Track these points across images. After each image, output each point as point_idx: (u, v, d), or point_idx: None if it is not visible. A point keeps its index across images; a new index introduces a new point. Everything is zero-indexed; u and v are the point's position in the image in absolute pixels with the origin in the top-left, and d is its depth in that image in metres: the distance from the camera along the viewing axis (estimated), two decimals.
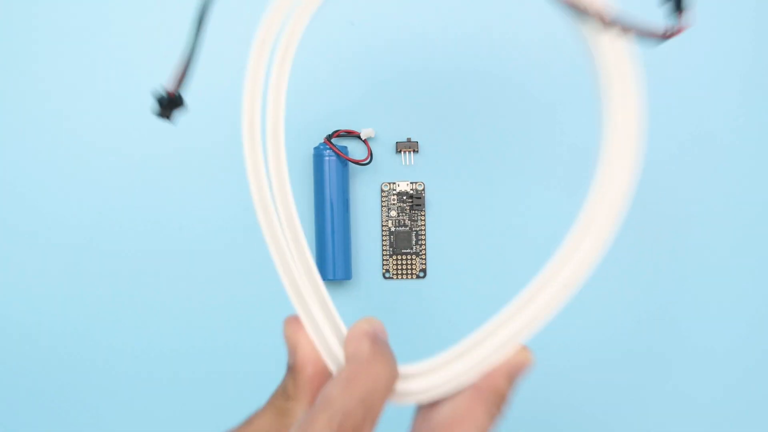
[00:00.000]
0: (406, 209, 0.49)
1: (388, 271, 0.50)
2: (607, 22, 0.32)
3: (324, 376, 0.31)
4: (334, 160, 0.48)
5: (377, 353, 0.30)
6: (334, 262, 0.48)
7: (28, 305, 0.49)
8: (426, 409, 0.31)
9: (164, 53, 0.49)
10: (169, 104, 0.37)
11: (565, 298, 0.31)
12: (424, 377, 0.31)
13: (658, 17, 0.32)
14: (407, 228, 0.49)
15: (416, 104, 0.49)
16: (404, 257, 0.49)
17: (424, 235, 0.49)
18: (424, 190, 0.49)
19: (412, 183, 0.49)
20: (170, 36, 0.49)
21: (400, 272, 0.49)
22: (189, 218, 0.49)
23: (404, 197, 0.49)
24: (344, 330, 0.31)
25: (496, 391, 0.31)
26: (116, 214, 0.49)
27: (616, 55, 0.32)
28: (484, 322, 0.33)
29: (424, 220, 0.49)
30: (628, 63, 0.32)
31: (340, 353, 0.31)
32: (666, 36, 0.32)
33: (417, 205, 0.49)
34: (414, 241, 0.49)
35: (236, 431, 0.31)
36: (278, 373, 0.32)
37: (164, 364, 0.49)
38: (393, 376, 0.30)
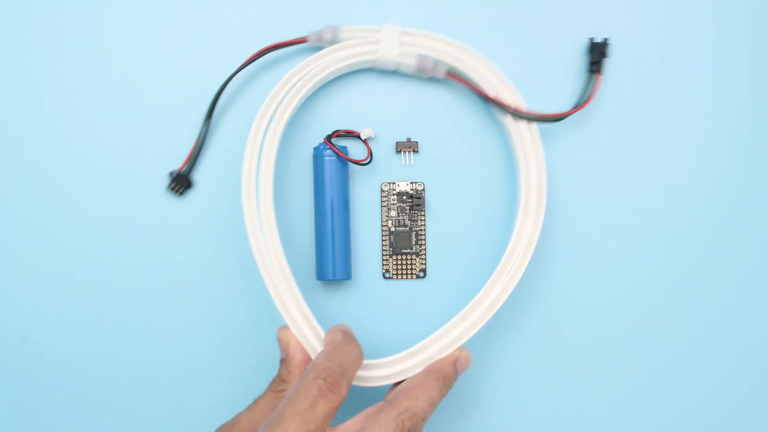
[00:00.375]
0: (406, 209, 0.49)
1: (388, 271, 0.50)
2: (521, 114, 0.47)
3: (308, 362, 0.43)
4: (334, 160, 0.47)
5: (348, 340, 0.42)
6: (334, 262, 0.48)
7: (18, 309, 0.50)
8: (396, 383, 0.45)
9: (163, 60, 0.49)
10: (180, 180, 0.49)
11: (489, 316, 0.45)
12: (383, 368, 0.45)
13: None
14: (407, 228, 0.49)
15: (416, 104, 0.49)
16: (404, 257, 0.49)
17: (424, 235, 0.49)
18: (424, 190, 0.49)
19: (412, 183, 0.49)
20: (167, 42, 0.50)
21: (400, 272, 0.49)
22: (181, 236, 0.50)
23: (404, 197, 0.49)
24: (320, 330, 0.44)
25: (443, 372, 0.44)
26: (105, 222, 0.50)
27: (527, 135, 0.47)
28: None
29: (424, 220, 0.49)
30: (535, 140, 0.47)
31: (318, 346, 0.44)
32: (559, 117, 0.47)
33: (417, 205, 0.49)
34: (414, 241, 0.49)
35: (245, 412, 0.42)
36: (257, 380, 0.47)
37: (154, 373, 0.50)
38: (360, 353, 0.42)
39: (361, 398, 0.49)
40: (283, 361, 0.44)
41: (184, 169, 0.49)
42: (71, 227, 0.49)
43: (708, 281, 0.50)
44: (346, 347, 0.42)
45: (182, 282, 0.49)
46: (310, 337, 0.45)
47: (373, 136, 0.49)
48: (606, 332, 0.49)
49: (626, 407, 0.50)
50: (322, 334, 0.44)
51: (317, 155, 0.48)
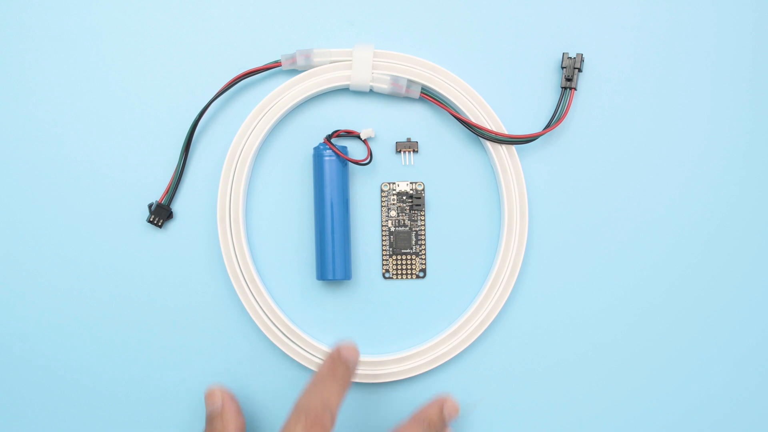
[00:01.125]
0: (405, 209, 0.49)
1: (387, 271, 0.49)
2: (497, 137, 0.48)
3: (239, 413, 0.46)
4: (334, 160, 0.47)
5: (329, 372, 0.44)
6: (334, 262, 0.47)
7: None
8: None
9: (136, 90, 0.49)
10: (160, 212, 0.49)
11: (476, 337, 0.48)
12: (377, 367, 0.48)
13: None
14: (407, 228, 0.49)
15: (416, 104, 0.49)
16: (404, 257, 0.49)
17: (424, 235, 0.49)
18: (424, 190, 0.49)
19: (412, 183, 0.49)
20: (140, 72, 0.50)
21: (400, 272, 0.49)
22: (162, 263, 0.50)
23: (404, 197, 0.49)
24: (312, 341, 0.48)
25: (429, 418, 0.46)
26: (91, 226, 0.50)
27: (505, 155, 0.48)
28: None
29: (424, 220, 0.49)
30: (515, 162, 0.48)
31: (310, 357, 0.48)
32: (533, 138, 0.48)
33: (417, 205, 0.49)
34: (414, 241, 0.49)
35: None
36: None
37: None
38: (344, 383, 0.44)
39: (356, 395, 0.49)
40: (217, 416, 0.45)
41: (163, 200, 0.49)
42: (52, 263, 0.49)
43: (694, 287, 0.50)
44: (326, 380, 0.43)
45: (164, 314, 0.49)
46: (302, 353, 0.48)
47: (373, 136, 0.49)
48: (601, 331, 0.50)
49: (625, 407, 0.50)
50: (314, 343, 0.48)
51: (317, 155, 0.48)
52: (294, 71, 0.49)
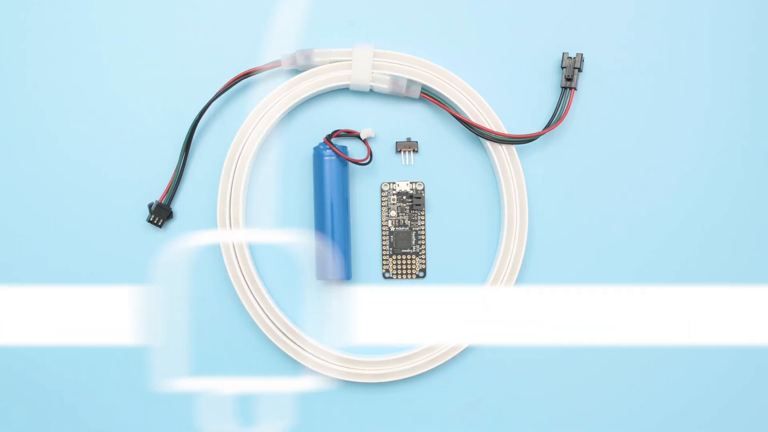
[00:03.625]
0: (405, 209, 0.49)
1: (387, 271, 0.49)
2: (496, 137, 0.48)
3: None
4: (333, 160, 0.47)
5: None
6: (333, 262, 0.47)
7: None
8: None
9: (137, 88, 0.49)
10: (160, 212, 0.48)
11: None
12: (378, 367, 0.48)
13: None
14: (407, 228, 0.49)
15: (416, 104, 0.49)
16: (404, 257, 0.49)
17: (424, 235, 0.49)
18: (423, 190, 0.49)
19: (412, 183, 0.49)
20: (141, 71, 0.50)
21: (399, 272, 0.49)
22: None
23: (404, 197, 0.49)
24: (312, 341, 0.48)
25: None
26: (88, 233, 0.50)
27: (505, 155, 0.48)
28: None
29: (424, 220, 0.49)
30: (515, 162, 0.48)
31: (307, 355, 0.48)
32: (533, 138, 0.48)
33: (417, 205, 0.49)
34: (414, 241, 0.49)
35: None
36: None
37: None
38: None
39: (356, 395, 0.49)
40: None
41: (163, 200, 0.49)
42: (53, 262, 0.49)
43: (693, 285, 0.50)
44: None
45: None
46: (302, 353, 0.48)
47: (373, 135, 0.49)
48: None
49: (626, 407, 0.50)
50: (314, 343, 0.48)
51: (317, 155, 0.48)
52: (294, 71, 0.49)
